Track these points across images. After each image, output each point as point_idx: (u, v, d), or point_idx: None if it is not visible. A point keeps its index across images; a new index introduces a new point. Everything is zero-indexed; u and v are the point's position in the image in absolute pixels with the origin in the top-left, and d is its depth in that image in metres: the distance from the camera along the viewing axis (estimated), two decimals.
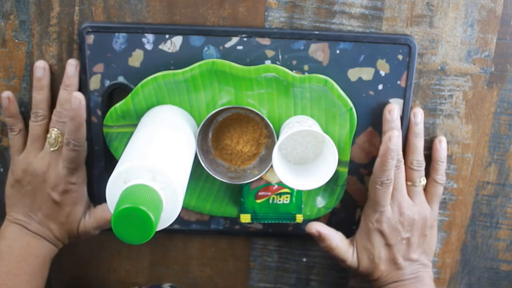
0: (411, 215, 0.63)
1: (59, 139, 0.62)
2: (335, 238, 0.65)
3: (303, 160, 0.63)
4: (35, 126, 0.64)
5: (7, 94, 0.64)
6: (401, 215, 0.63)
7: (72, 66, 0.62)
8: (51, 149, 0.63)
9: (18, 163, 0.64)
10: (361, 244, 0.65)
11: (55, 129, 0.62)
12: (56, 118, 0.63)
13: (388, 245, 0.64)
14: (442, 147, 0.65)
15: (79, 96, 0.60)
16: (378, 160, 0.62)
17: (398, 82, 0.63)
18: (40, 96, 0.63)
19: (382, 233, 0.64)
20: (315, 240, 0.66)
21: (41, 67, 0.63)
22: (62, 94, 0.63)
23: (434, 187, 0.65)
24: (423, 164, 0.64)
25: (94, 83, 0.63)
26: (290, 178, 0.59)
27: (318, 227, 0.65)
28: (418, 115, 0.63)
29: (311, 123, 0.59)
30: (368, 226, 0.64)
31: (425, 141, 0.65)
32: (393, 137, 0.61)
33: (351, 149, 0.65)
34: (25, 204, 0.64)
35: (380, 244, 0.64)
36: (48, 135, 0.63)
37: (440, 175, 0.65)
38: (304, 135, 0.62)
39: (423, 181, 0.65)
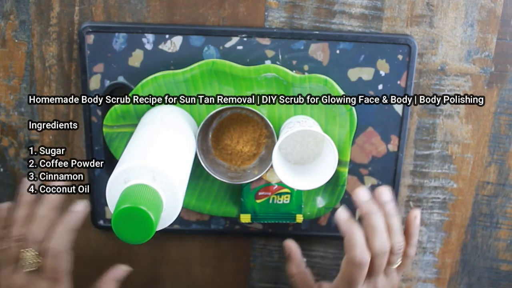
0: None
1: (37, 260, 0.57)
2: (302, 267, 0.65)
3: (303, 160, 0.63)
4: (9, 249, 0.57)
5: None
6: None
7: (81, 207, 0.59)
8: (29, 269, 0.57)
9: None
10: None
11: (31, 250, 0.57)
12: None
13: None
14: (416, 223, 0.61)
15: (86, 203, 0.59)
16: (345, 238, 0.57)
17: (398, 82, 0.63)
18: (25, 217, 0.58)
19: None
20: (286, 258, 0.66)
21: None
22: (41, 210, 0.58)
23: (404, 258, 0.61)
24: (403, 245, 0.59)
25: (94, 83, 0.63)
26: (290, 178, 0.59)
27: (293, 246, 0.65)
28: (385, 192, 0.58)
29: (311, 123, 0.59)
30: None
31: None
32: (341, 213, 0.57)
33: (351, 149, 0.65)
34: None
35: None
36: (24, 256, 0.57)
37: (411, 250, 0.61)
38: (304, 135, 0.62)
39: (400, 261, 0.60)
